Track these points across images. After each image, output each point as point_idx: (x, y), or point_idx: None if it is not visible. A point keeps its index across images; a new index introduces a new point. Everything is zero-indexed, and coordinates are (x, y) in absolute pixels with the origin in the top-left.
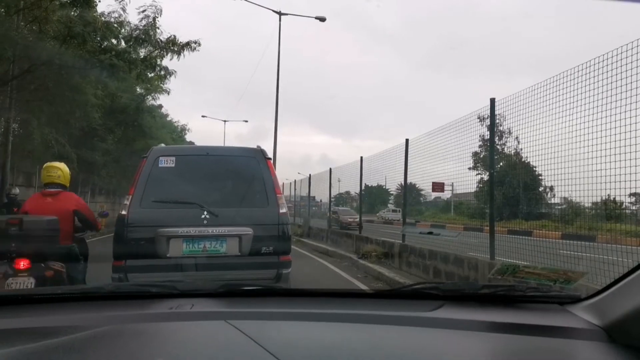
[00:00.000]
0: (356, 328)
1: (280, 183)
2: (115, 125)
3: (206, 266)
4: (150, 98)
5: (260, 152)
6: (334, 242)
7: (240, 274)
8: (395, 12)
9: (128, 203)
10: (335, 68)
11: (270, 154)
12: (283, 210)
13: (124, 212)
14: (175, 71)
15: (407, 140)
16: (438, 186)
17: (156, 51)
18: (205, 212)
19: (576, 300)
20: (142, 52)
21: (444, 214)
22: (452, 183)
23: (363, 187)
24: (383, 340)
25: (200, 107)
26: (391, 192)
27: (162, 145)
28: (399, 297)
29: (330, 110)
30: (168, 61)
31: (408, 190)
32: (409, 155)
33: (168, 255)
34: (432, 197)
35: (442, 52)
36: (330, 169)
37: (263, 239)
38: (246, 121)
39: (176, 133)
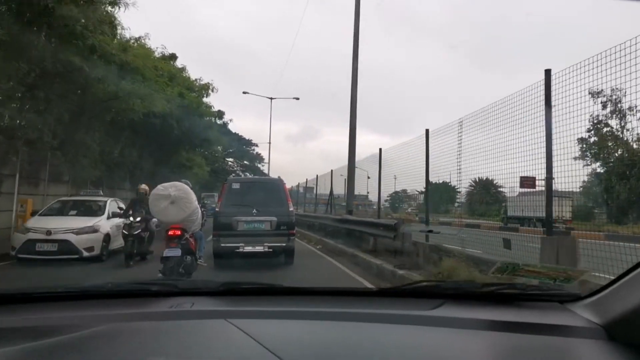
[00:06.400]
0: (356, 326)
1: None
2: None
3: (254, 235)
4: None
5: (281, 180)
6: None
7: (271, 239)
8: (441, 4)
9: (219, 204)
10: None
11: (286, 181)
12: (291, 209)
13: (217, 209)
14: None
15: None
16: (528, 181)
17: None
18: (255, 209)
19: (576, 298)
20: None
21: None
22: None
23: (424, 187)
24: (383, 339)
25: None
26: (458, 190)
27: (232, 176)
28: (400, 296)
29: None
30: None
31: (483, 187)
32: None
33: (238, 229)
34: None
35: (483, 46)
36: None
37: (281, 223)
38: (297, 98)
39: (194, 92)
